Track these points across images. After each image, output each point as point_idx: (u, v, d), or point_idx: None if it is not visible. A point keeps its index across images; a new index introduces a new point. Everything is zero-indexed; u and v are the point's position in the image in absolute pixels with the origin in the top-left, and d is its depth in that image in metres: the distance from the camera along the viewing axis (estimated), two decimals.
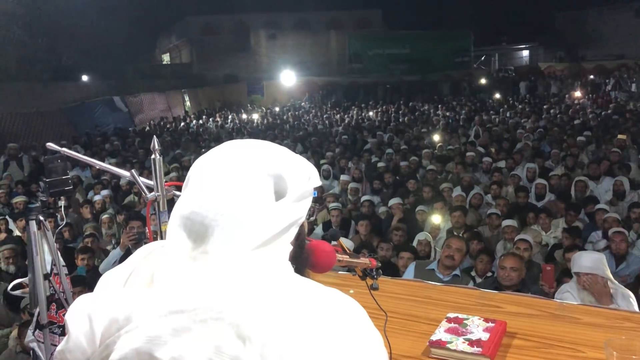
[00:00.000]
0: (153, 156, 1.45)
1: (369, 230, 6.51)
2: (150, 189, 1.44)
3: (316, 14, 35.51)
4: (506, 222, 6.25)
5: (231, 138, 15.00)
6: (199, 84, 28.38)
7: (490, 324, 1.59)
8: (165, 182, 1.47)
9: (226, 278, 0.87)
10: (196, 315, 0.83)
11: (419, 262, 4.66)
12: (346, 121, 18.71)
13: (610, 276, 3.84)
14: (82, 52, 23.53)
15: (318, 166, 10.42)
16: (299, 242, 1.05)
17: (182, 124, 20.89)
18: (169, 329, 0.83)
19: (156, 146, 1.45)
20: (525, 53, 38.56)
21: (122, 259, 5.51)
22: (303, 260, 1.07)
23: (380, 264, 1.43)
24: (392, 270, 5.38)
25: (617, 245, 5.34)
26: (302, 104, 27.56)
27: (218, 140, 15.66)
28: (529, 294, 1.86)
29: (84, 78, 24.68)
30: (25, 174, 12.04)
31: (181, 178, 10.58)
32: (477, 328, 1.57)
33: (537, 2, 33.31)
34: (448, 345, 1.48)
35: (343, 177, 9.03)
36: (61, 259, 2.34)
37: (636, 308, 3.55)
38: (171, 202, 1.26)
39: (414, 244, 5.85)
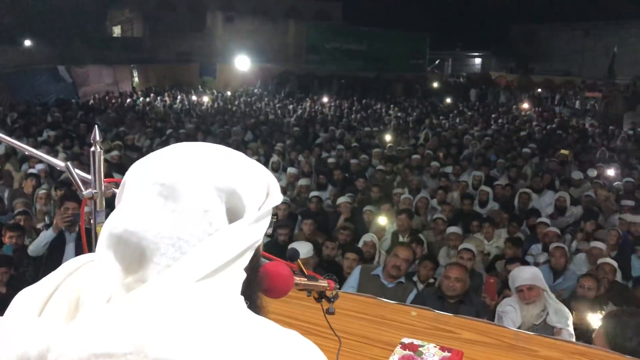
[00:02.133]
0: (92, 148, 1.28)
1: (314, 228, 6.41)
2: (88, 185, 1.27)
3: (275, 1, 35.08)
4: (451, 229, 6.29)
5: (179, 119, 14.70)
6: (150, 60, 27.54)
7: (447, 354, 1.50)
8: (106, 178, 1.30)
9: (165, 318, 0.72)
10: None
11: (364, 267, 4.60)
12: (299, 113, 18.55)
13: (548, 289, 3.91)
14: (27, 15, 22.36)
15: (267, 157, 10.27)
16: (253, 266, 0.91)
17: (129, 100, 20.21)
18: None
19: (97, 137, 1.28)
20: (478, 61, 39.48)
21: (54, 242, 5.22)
22: (255, 285, 0.94)
23: (338, 287, 1.32)
24: (336, 270, 5.31)
25: (556, 260, 5.44)
26: (255, 90, 27.21)
27: (164, 120, 15.23)
28: (484, 320, 1.80)
29: (27, 43, 23.46)
30: None
31: (122, 157, 10.17)
32: (432, 357, 1.48)
33: (493, 12, 34.05)
34: None
35: (290, 170, 8.90)
36: None
37: (571, 328, 3.61)
38: (112, 200, 1.10)
39: (360, 244, 5.79)
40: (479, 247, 6.18)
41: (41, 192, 7.04)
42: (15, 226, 5.57)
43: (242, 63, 28.56)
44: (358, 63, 31.04)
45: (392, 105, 22.02)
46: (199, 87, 26.05)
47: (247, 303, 0.91)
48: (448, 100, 24.92)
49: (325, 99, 22.25)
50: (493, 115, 19.58)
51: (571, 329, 3.63)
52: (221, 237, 0.80)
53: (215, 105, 19.78)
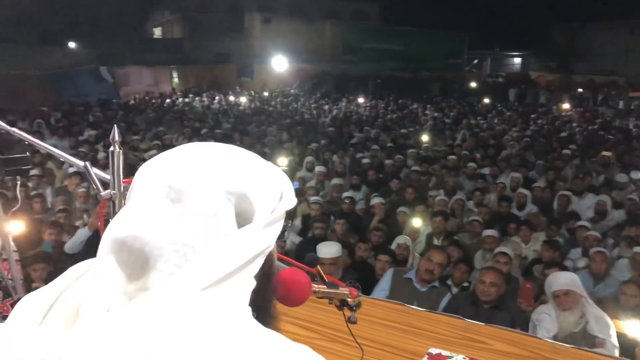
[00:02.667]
0: (112, 148, 1.26)
1: (347, 228, 6.36)
2: (107, 185, 1.26)
3: (313, 1, 35.14)
4: (487, 232, 6.15)
5: (217, 119, 14.88)
6: (189, 61, 27.96)
7: None
8: (124, 179, 1.28)
9: (167, 330, 0.68)
10: None
11: (397, 270, 4.52)
12: (334, 113, 18.52)
13: (586, 295, 3.77)
14: (72, 18, 22.97)
15: (302, 157, 10.27)
16: (265, 273, 0.87)
17: (168, 100, 20.54)
18: None
19: (116, 137, 1.27)
20: (518, 60, 38.70)
21: (90, 240, 5.31)
22: (268, 294, 0.89)
23: (360, 293, 1.27)
24: (368, 271, 5.25)
25: (597, 265, 5.25)
26: (292, 91, 27.30)
27: (202, 120, 15.41)
28: (518, 330, 1.72)
29: (71, 45, 24.08)
30: None
31: None
32: None
33: (534, 11, 33.34)
34: None
35: (319, 169, 8.86)
36: (12, 243, 2.14)
37: (614, 339, 3.46)
38: None
39: (393, 246, 5.72)
40: (516, 251, 6.02)
41: (80, 190, 7.18)
42: (55, 223, 5.71)
43: (279, 64, 28.70)
44: (395, 63, 30.77)
45: (428, 106, 21.77)
46: (237, 87, 26.30)
47: (257, 312, 0.88)
48: (486, 100, 24.50)
49: (361, 99, 22.16)
50: (532, 116, 19.14)
51: (615, 340, 3.48)
52: (229, 243, 0.77)
53: (252, 105, 19.94)
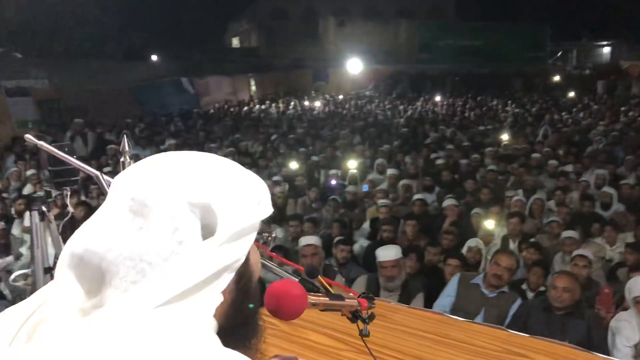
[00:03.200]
0: (122, 159, 1.27)
1: (417, 230, 6.21)
2: None
3: (386, 1, 34.89)
4: (567, 234, 5.79)
5: (291, 125, 15.09)
6: (265, 68, 28.50)
7: None
8: None
9: (114, 347, 0.66)
10: None
11: (464, 275, 4.34)
12: (409, 113, 18.26)
13: None
14: (154, 32, 24.08)
15: (374, 159, 10.17)
16: (242, 287, 0.83)
17: (245, 108, 21.02)
18: None
19: (126, 147, 1.27)
20: (607, 50, 36.46)
21: None
22: (246, 309, 0.85)
23: (373, 305, 1.20)
24: (438, 276, 5.09)
25: None
26: (367, 92, 27.20)
27: (278, 126, 15.64)
28: (566, 343, 1.58)
29: (154, 58, 25.24)
30: (89, 150, 12.38)
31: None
32: None
33: None
34: None
35: (391, 172, 8.71)
36: None
37: None
38: None
39: (464, 250, 5.51)
40: (599, 253, 5.65)
41: None
42: None
43: (354, 66, 28.67)
44: (473, 59, 29.92)
45: (509, 102, 20.98)
46: (312, 92, 26.53)
47: (235, 328, 0.84)
48: (571, 94, 23.27)
49: (437, 98, 21.70)
50: (623, 108, 17.97)
51: None
52: (188, 258, 0.73)
53: (327, 109, 20.03)
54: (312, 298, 1.03)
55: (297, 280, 1.16)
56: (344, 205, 7.61)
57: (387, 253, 4.34)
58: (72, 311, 0.71)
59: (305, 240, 4.64)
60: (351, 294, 1.20)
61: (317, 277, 1.15)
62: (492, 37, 30.93)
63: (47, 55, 19.73)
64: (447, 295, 4.14)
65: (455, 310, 4.04)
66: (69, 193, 2.14)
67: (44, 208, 2.09)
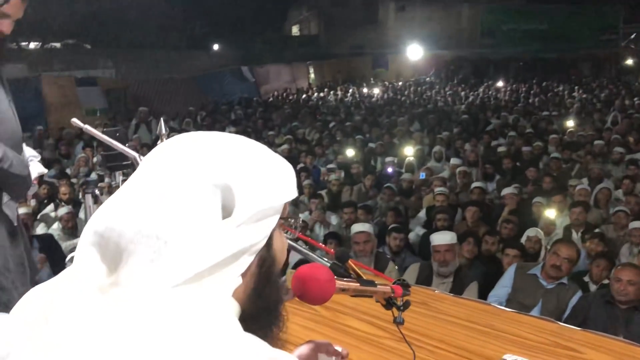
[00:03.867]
0: (159, 142, 1.28)
1: (477, 218, 6.06)
2: None
3: None
4: (635, 224, 5.51)
5: (348, 112, 15.04)
6: (325, 56, 28.44)
7: None
8: None
9: (127, 330, 0.66)
10: None
11: (521, 265, 4.20)
12: (470, 99, 17.82)
13: None
14: (215, 22, 24.45)
15: (432, 146, 10.00)
16: (265, 273, 0.82)
17: (304, 96, 21.11)
18: None
19: (163, 131, 1.29)
20: None
21: None
22: (269, 294, 0.84)
23: (408, 292, 1.16)
24: (496, 266, 4.97)
25: None
26: (427, 79, 26.74)
27: (335, 114, 15.62)
28: (622, 338, 1.49)
29: (215, 47, 25.65)
30: (153, 138, 12.76)
31: (292, 150, 10.64)
32: None
33: None
34: None
35: (453, 161, 8.52)
36: None
37: None
38: None
39: (523, 240, 5.34)
40: None
41: None
42: None
43: (414, 52, 28.16)
44: (538, 44, 28.72)
45: (576, 87, 20.10)
46: (371, 79, 26.33)
47: (256, 313, 0.83)
48: None
49: (500, 84, 21.07)
50: None
51: None
52: (205, 239, 0.72)
53: (385, 96, 19.83)
54: (342, 283, 1.01)
55: (328, 264, 1.14)
56: (400, 193, 7.53)
57: (442, 237, 4.30)
58: (91, 288, 0.72)
59: (357, 228, 4.62)
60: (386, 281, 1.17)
61: (347, 262, 1.12)
62: (559, 20, 29.58)
63: (114, 46, 20.42)
64: (503, 286, 4.02)
65: (511, 301, 3.93)
66: (121, 178, 2.19)
67: (97, 191, 2.16)
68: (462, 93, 19.68)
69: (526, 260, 4.78)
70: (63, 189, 6.57)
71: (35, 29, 16.39)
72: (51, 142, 11.27)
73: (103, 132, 1.99)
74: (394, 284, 1.16)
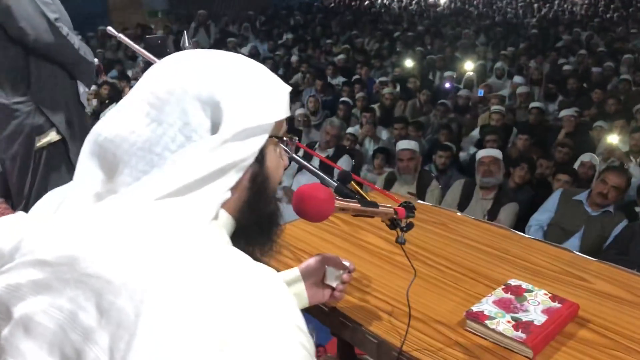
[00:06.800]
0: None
1: (529, 144, 5.89)
2: None
3: None
4: None
5: (412, 22, 14.35)
6: None
7: (556, 305, 1.28)
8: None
9: (106, 233, 0.72)
10: (61, 272, 0.70)
11: (567, 191, 4.10)
12: (543, 13, 16.74)
13: None
14: None
15: (495, 62, 9.58)
16: (258, 189, 0.86)
17: (367, 2, 20.36)
18: (29, 282, 0.71)
19: (186, 43, 1.31)
20: None
21: None
22: (261, 209, 0.89)
23: (412, 215, 1.19)
24: (546, 191, 4.87)
25: None
26: None
27: (397, 23, 15.07)
28: (635, 272, 1.48)
29: None
30: (211, 41, 12.77)
31: (349, 60, 10.45)
32: (536, 306, 1.28)
33: None
34: (487, 322, 1.22)
35: (516, 79, 8.16)
36: None
37: None
38: None
39: (576, 165, 5.18)
40: None
41: None
42: None
43: None
44: None
45: None
46: None
47: (248, 226, 0.88)
48: None
49: None
50: None
51: None
52: (192, 153, 0.76)
53: (452, 6, 18.89)
54: (342, 203, 1.04)
55: (335, 185, 1.18)
56: (455, 109, 7.36)
57: (488, 151, 4.27)
58: (88, 195, 0.79)
59: (402, 145, 4.59)
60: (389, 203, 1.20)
61: (349, 183, 1.16)
62: None
63: None
64: (546, 210, 3.97)
65: (553, 226, 3.90)
66: None
67: None
68: (535, 5, 18.47)
69: (579, 186, 4.67)
70: (127, 90, 6.78)
71: None
72: (113, 42, 11.47)
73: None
74: (399, 205, 1.19)
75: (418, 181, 4.50)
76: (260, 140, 0.82)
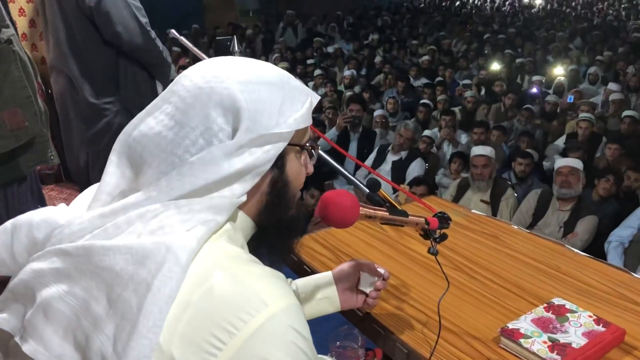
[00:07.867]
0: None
1: (619, 154, 5.54)
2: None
3: None
4: None
5: (503, 23, 13.86)
6: None
7: (600, 328, 1.22)
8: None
9: (125, 229, 0.77)
10: (79, 262, 0.75)
11: None
12: None
13: None
14: None
15: (588, 67, 9.10)
16: (277, 194, 0.89)
17: (458, 3, 19.92)
18: (52, 269, 0.77)
19: (236, 48, 1.35)
20: None
21: (339, 138, 5.77)
22: (281, 214, 0.91)
23: (447, 226, 1.18)
24: (634, 205, 4.58)
25: None
26: None
27: (487, 24, 14.64)
28: None
29: None
30: (298, 41, 12.97)
31: (434, 62, 10.28)
32: (578, 328, 1.22)
33: None
34: (521, 340, 1.18)
35: (611, 86, 7.69)
36: None
37: None
38: None
39: None
40: None
41: (347, 94, 7.70)
42: (319, 122, 6.31)
43: None
44: None
45: None
46: None
47: (265, 229, 0.91)
48: None
49: None
50: None
51: None
52: (207, 157, 0.80)
53: (548, 7, 18.10)
54: (368, 210, 1.05)
55: (367, 191, 1.19)
56: (542, 115, 7.06)
57: (567, 161, 4.07)
58: (114, 192, 0.85)
59: (477, 150, 4.46)
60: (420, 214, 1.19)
61: (378, 191, 1.16)
62: None
63: None
64: (628, 226, 3.75)
65: (635, 243, 3.67)
66: None
67: None
68: None
69: None
70: None
71: None
72: (205, 40, 11.90)
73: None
74: (434, 216, 1.18)
75: (493, 189, 4.37)
76: (278, 147, 0.85)
